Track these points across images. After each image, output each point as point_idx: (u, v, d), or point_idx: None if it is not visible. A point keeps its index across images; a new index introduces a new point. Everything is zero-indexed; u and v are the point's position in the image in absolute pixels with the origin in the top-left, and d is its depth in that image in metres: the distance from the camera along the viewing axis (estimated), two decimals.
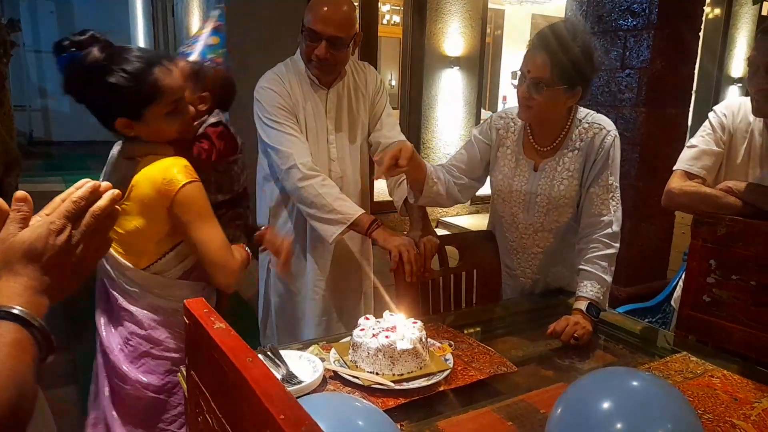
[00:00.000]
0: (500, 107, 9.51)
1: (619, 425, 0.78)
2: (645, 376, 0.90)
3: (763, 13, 7.52)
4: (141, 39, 7.63)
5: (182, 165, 1.29)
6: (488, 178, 1.75)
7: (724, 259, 1.50)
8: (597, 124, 1.58)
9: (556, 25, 1.49)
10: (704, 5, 3.17)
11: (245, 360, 0.53)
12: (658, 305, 2.86)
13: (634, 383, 0.86)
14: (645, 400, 0.82)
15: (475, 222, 5.41)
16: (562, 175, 1.60)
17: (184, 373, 1.07)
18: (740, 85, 7.70)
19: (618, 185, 1.60)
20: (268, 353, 1.17)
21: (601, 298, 1.52)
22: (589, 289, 1.51)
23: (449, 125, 5.47)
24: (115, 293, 1.36)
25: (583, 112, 1.62)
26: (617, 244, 1.58)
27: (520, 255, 1.74)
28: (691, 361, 1.32)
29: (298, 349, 1.26)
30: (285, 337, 1.92)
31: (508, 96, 9.63)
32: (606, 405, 0.81)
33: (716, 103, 1.78)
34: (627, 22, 2.94)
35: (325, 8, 1.66)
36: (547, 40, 1.46)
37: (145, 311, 1.35)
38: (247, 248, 1.45)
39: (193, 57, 1.57)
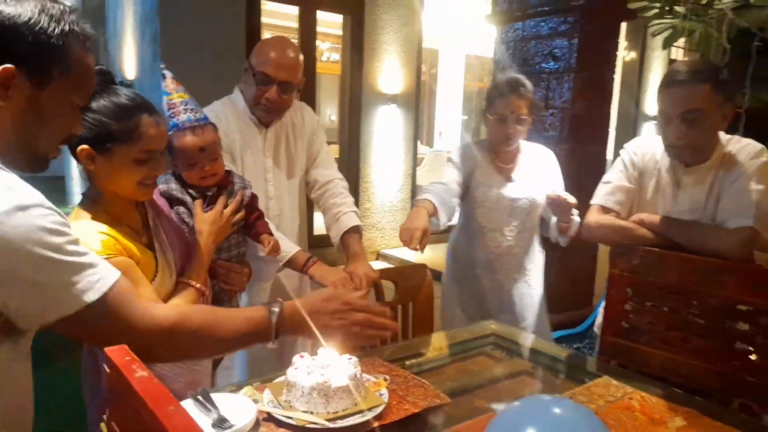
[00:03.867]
0: (437, 143, 9.80)
1: None
2: (565, 404, 0.95)
3: (672, 56, 8.21)
4: None
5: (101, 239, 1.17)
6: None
7: (640, 287, 1.61)
8: (539, 148, 2.15)
9: (515, 76, 2.01)
10: (617, 50, 3.44)
11: (167, 409, 0.52)
12: (585, 331, 3.00)
13: (556, 410, 0.90)
14: (565, 427, 0.86)
15: (415, 253, 5.47)
16: (532, 183, 2.06)
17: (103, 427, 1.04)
18: (655, 122, 8.30)
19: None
20: (199, 397, 1.15)
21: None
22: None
23: (387, 160, 5.58)
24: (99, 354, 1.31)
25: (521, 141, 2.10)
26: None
27: (501, 260, 2.08)
28: (612, 385, 1.39)
29: (231, 391, 1.24)
30: (222, 379, 1.86)
31: (444, 132, 9.96)
32: None
33: (635, 137, 1.96)
34: (549, 66, 3.15)
35: (277, 53, 1.70)
36: (519, 87, 1.98)
37: None
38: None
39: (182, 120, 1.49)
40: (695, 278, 1.51)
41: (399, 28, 5.40)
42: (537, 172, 2.08)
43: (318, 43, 5.30)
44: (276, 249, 1.58)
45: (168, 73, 1.45)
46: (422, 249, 1.71)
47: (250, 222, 1.58)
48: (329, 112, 8.97)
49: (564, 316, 3.21)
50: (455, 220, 2.15)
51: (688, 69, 1.54)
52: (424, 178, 6.28)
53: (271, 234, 1.60)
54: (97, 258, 0.96)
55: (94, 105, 1.19)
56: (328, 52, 8.80)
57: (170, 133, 1.41)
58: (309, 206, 2.06)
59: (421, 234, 1.70)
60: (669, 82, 1.57)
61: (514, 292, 2.11)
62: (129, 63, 4.67)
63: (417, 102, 5.76)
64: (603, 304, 1.86)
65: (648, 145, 1.75)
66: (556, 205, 1.92)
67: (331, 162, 1.94)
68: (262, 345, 1.15)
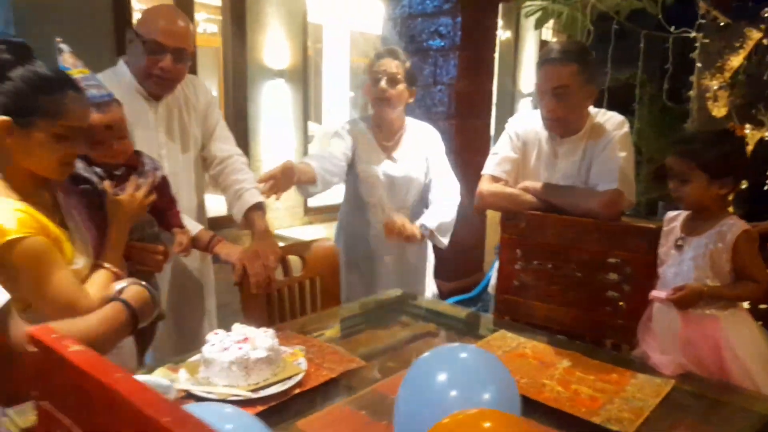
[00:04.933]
0: (325, 120, 9.76)
1: (453, 393, 0.90)
2: (471, 349, 1.05)
3: (543, 37, 8.84)
4: None
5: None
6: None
7: (527, 248, 1.78)
8: (425, 127, 2.19)
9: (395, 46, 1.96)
10: (496, 30, 3.66)
11: (114, 376, 0.52)
12: (478, 295, 3.23)
13: (462, 355, 1.00)
14: (472, 369, 0.96)
15: (310, 233, 5.49)
16: (414, 162, 2.11)
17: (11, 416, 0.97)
18: (531, 98, 8.94)
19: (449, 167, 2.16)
20: None
21: (435, 227, 1.98)
22: (427, 218, 1.99)
23: (277, 137, 5.48)
24: None
25: (408, 119, 2.15)
26: (458, 197, 2.12)
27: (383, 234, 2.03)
28: (507, 337, 1.54)
29: (143, 374, 1.20)
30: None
31: (332, 109, 9.94)
32: (441, 377, 0.93)
33: (513, 114, 2.15)
34: (436, 43, 3.28)
35: (167, 20, 1.62)
36: (395, 51, 2.03)
37: None
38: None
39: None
40: (572, 237, 1.71)
41: None
42: (419, 152, 2.13)
43: (194, 14, 5.03)
44: (186, 249, 1.56)
45: (65, 47, 1.34)
46: (275, 192, 1.76)
47: (161, 208, 1.52)
48: (210, 86, 8.54)
49: (457, 284, 3.42)
50: (342, 197, 2.22)
51: (558, 49, 1.75)
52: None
53: (182, 227, 1.56)
54: None
55: (13, 74, 1.10)
56: (205, 23, 8.36)
57: None
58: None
59: (273, 174, 1.75)
60: (543, 61, 1.77)
61: (398, 266, 2.16)
62: None
63: (305, 77, 5.70)
64: (495, 267, 2.03)
65: (529, 120, 1.92)
66: (387, 230, 1.88)
67: (229, 137, 1.89)
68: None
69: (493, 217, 3.61)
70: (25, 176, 1.18)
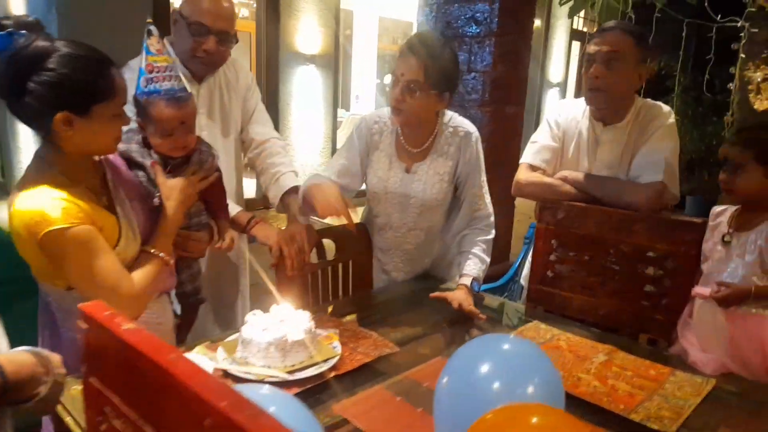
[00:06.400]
0: (353, 106, 9.74)
1: (496, 385, 0.89)
2: (514, 340, 1.03)
3: (574, 27, 8.65)
4: None
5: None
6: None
7: (564, 239, 1.75)
8: (461, 128, 1.73)
9: (427, 33, 1.63)
10: (533, 17, 3.59)
11: (169, 356, 0.52)
12: (505, 284, 3.19)
13: (506, 346, 0.98)
14: (516, 361, 0.94)
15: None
16: (434, 179, 1.72)
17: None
18: (558, 89, 8.77)
19: (485, 179, 1.79)
20: None
21: (481, 275, 1.69)
22: (471, 267, 1.68)
23: (307, 122, 5.49)
24: (56, 315, 1.23)
25: (447, 115, 1.75)
26: (493, 231, 1.78)
27: (393, 252, 1.84)
28: (541, 328, 1.52)
29: (182, 351, 1.22)
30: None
31: (360, 95, 9.91)
32: (483, 369, 0.92)
33: (540, 104, 2.08)
34: (471, 30, 3.22)
35: (212, 2, 1.61)
36: (421, 47, 1.57)
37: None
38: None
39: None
40: (612, 229, 1.67)
41: None
42: (448, 165, 1.72)
43: None
44: (231, 248, 1.54)
45: (154, 30, 1.30)
46: (351, 220, 1.55)
47: (211, 197, 1.51)
48: None
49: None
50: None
51: (617, 22, 1.74)
52: (343, 142, 6.27)
53: (229, 222, 1.55)
54: None
55: (58, 65, 1.08)
56: (238, 8, 8.40)
57: (147, 97, 1.31)
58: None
59: (343, 203, 1.51)
60: (599, 30, 1.74)
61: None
62: (18, 9, 4.19)
63: (336, 63, 5.68)
64: (523, 257, 2.00)
65: (570, 108, 1.87)
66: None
67: (267, 120, 1.89)
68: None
69: (520, 206, 3.58)
70: (77, 161, 1.19)
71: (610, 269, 1.68)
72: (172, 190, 1.33)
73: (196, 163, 1.42)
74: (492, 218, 1.79)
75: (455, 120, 1.75)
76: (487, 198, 1.79)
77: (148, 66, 1.30)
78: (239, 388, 0.78)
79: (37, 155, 1.18)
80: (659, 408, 1.14)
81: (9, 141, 3.91)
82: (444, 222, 1.83)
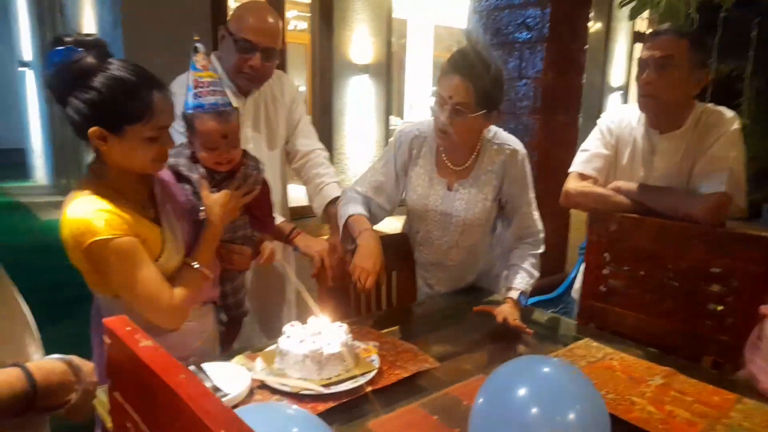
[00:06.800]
0: (407, 115, 9.75)
1: (535, 410, 0.84)
2: (555, 363, 0.97)
3: (636, 29, 8.32)
4: (25, 38, 7.01)
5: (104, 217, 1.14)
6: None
7: (617, 253, 1.66)
8: (507, 146, 1.66)
9: (470, 49, 1.51)
10: (588, 21, 3.47)
11: (177, 377, 0.52)
12: (559, 296, 3.08)
13: (546, 370, 0.93)
14: (556, 385, 0.89)
15: (389, 226, 5.50)
16: (477, 198, 1.66)
17: (101, 398, 1.02)
18: (621, 92, 8.45)
19: (533, 196, 1.72)
20: (191, 367, 1.14)
21: (529, 290, 1.64)
22: (519, 281, 1.62)
23: (360, 131, 5.54)
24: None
25: (491, 131, 1.67)
26: (543, 246, 1.72)
27: (435, 268, 1.80)
28: (593, 347, 1.44)
29: (223, 360, 1.24)
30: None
31: (414, 104, 9.91)
32: (523, 392, 0.87)
33: (601, 109, 1.98)
34: (522, 35, 3.15)
35: (258, 19, 1.64)
36: (465, 65, 1.49)
37: None
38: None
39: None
40: (669, 243, 1.57)
41: None
42: (493, 184, 1.66)
43: (285, 11, 5.17)
44: (270, 260, 1.54)
45: (201, 47, 1.35)
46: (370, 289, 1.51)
47: (257, 211, 1.53)
48: (298, 82, 8.81)
49: (537, 282, 3.27)
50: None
51: (672, 25, 1.66)
52: None
53: (272, 236, 1.56)
54: None
55: (98, 83, 1.13)
56: (295, 21, 8.59)
57: (192, 111, 1.35)
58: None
59: (374, 279, 1.49)
60: (653, 34, 1.65)
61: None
62: (88, 28, 4.46)
63: (388, 72, 5.71)
64: (578, 269, 1.91)
65: (624, 114, 1.78)
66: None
67: (312, 131, 1.92)
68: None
69: (576, 213, 3.44)
70: (122, 173, 1.23)
71: (669, 286, 1.58)
72: (215, 204, 1.35)
73: (240, 177, 1.44)
74: (542, 235, 1.73)
75: (500, 136, 1.68)
76: (536, 214, 1.72)
77: (194, 81, 1.34)
78: (263, 407, 0.77)
79: (89, 166, 1.23)
80: None
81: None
82: (488, 239, 1.78)
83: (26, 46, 6.98)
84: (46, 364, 0.91)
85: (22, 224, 5.37)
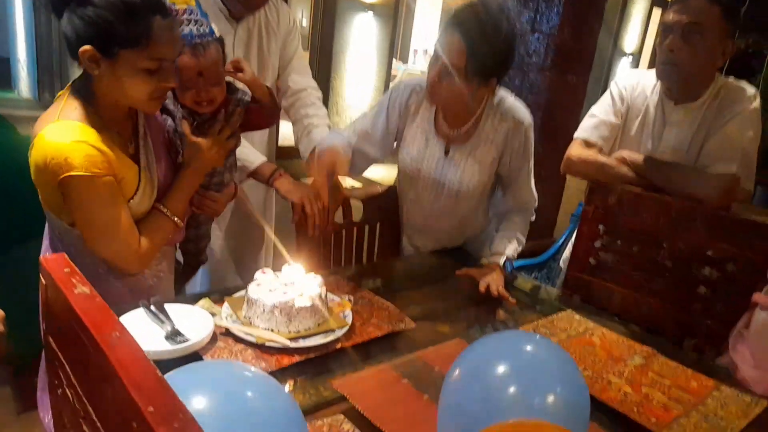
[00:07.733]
0: (411, 61, 9.46)
1: (513, 389, 0.79)
2: (537, 340, 0.92)
3: None
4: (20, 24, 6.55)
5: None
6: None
7: (613, 226, 1.59)
8: (512, 116, 1.53)
9: (482, 7, 1.33)
10: None
11: (111, 335, 0.44)
12: (544, 262, 3.04)
13: (527, 347, 0.87)
14: (537, 364, 0.83)
15: (378, 174, 5.40)
16: (473, 168, 1.57)
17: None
18: (632, 58, 8.23)
19: (532, 166, 1.64)
20: (152, 307, 1.08)
21: (514, 256, 1.59)
22: (506, 247, 1.58)
23: (360, 72, 5.34)
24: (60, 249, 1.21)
25: (496, 96, 1.53)
26: (534, 215, 1.68)
27: (422, 231, 1.73)
28: (575, 320, 1.40)
29: (187, 302, 1.17)
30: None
31: (419, 50, 9.59)
32: (501, 369, 0.82)
33: (609, 75, 1.86)
34: None
35: None
36: (469, 23, 1.32)
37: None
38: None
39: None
40: (668, 221, 1.50)
41: None
42: (491, 153, 1.55)
43: None
44: (231, 198, 1.44)
45: None
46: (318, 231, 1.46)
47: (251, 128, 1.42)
48: (301, 15, 8.45)
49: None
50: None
51: None
52: None
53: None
54: None
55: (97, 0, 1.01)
56: None
57: None
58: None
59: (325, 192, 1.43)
60: None
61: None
62: None
63: (395, 13, 5.47)
64: (567, 237, 1.85)
65: (639, 79, 1.67)
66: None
67: (306, 68, 1.79)
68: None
69: (572, 179, 3.37)
70: (112, 104, 1.12)
71: (661, 265, 1.52)
72: (196, 151, 1.25)
73: (222, 119, 1.31)
74: (535, 204, 1.67)
75: (506, 103, 1.54)
76: (532, 184, 1.65)
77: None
78: (217, 368, 0.70)
79: (77, 87, 1.12)
80: (696, 427, 1.02)
81: None
82: (481, 208, 1.71)
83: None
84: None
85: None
